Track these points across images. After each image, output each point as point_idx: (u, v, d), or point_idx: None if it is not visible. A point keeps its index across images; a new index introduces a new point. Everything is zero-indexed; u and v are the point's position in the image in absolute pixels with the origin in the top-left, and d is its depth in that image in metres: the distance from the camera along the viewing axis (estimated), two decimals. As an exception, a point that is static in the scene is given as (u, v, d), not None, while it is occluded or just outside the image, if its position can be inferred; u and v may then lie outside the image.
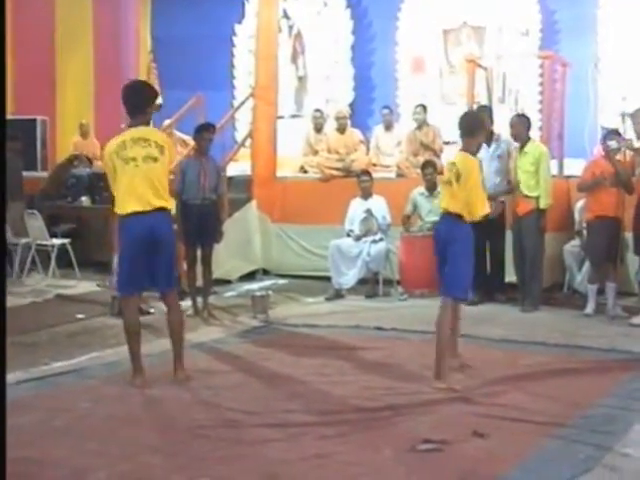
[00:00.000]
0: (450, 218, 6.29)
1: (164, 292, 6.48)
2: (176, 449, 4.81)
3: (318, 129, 12.91)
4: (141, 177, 6.09)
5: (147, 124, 6.39)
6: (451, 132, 11.71)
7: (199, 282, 9.27)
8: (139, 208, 6.07)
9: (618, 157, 8.91)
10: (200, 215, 9.13)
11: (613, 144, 8.77)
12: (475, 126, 6.44)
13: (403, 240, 10.22)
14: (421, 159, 11.13)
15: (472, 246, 6.40)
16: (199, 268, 9.25)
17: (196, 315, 9.00)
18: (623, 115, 9.30)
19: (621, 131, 9.25)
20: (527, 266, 9.27)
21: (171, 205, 6.41)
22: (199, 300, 9.17)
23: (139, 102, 6.33)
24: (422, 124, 11.76)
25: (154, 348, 7.47)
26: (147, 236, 6.09)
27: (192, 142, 12.52)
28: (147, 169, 6.11)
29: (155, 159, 6.14)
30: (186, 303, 9.22)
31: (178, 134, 12.52)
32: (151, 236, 6.10)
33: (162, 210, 6.18)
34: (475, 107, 10.43)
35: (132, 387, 6.16)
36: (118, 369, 6.77)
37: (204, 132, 9.38)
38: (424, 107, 11.89)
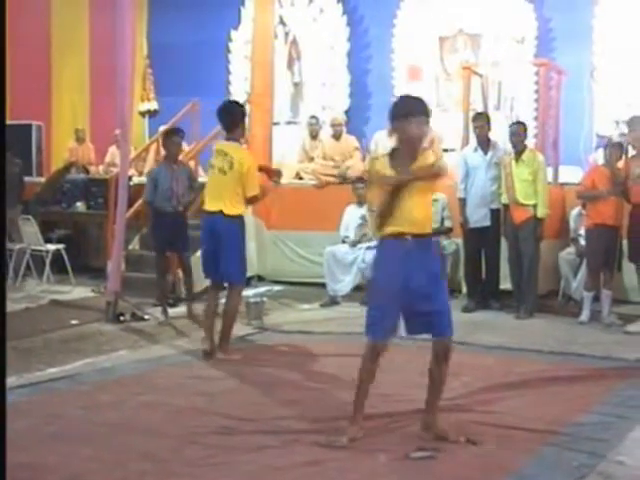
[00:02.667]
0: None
1: (229, 284, 7.47)
2: (169, 456, 4.79)
3: (314, 136, 12.93)
4: (213, 185, 7.29)
5: (237, 140, 7.38)
6: (448, 140, 11.81)
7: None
8: (207, 209, 7.29)
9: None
10: (173, 224, 9.13)
11: (616, 137, 8.81)
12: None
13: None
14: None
15: None
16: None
17: (165, 323, 8.99)
18: (617, 123, 9.33)
19: (615, 137, 9.29)
20: (524, 274, 9.27)
21: (232, 213, 7.20)
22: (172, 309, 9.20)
23: (232, 120, 7.34)
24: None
25: (148, 354, 7.49)
26: (210, 234, 7.23)
27: (187, 148, 12.60)
28: (218, 179, 7.20)
29: (224, 172, 7.16)
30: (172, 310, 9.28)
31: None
32: (212, 235, 7.21)
33: (222, 214, 7.17)
34: (471, 114, 10.44)
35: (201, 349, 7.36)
36: (112, 375, 6.78)
37: (174, 136, 9.37)
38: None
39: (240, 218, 7.31)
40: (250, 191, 7.19)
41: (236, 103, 7.62)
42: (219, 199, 7.17)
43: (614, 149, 8.96)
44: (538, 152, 9.75)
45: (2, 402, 3.20)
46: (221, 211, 7.16)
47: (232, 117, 7.34)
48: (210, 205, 7.25)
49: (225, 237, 7.18)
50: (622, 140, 8.94)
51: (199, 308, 8.91)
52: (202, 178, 12.33)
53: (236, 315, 7.61)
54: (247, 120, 7.64)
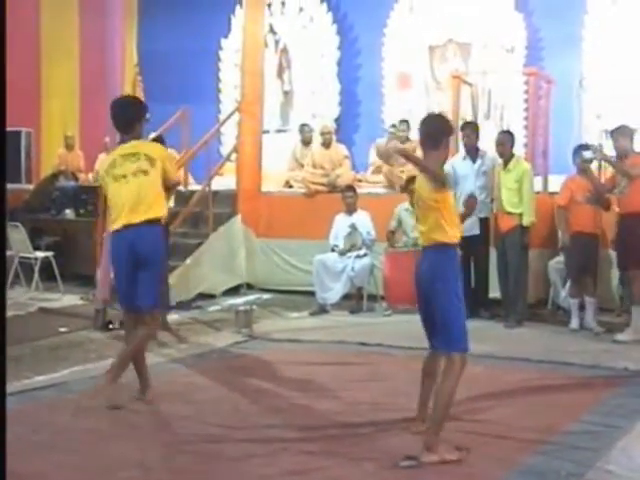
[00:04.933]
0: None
1: (141, 309, 6.19)
2: (157, 464, 4.78)
3: (307, 142, 12.91)
4: (130, 193, 6.06)
5: (137, 138, 6.32)
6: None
7: None
8: (124, 223, 6.03)
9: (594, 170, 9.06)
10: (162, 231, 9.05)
11: (588, 154, 8.82)
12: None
13: (388, 256, 10.22)
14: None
15: None
16: None
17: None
18: (606, 132, 9.35)
19: (604, 148, 9.31)
20: (511, 282, 9.30)
21: (161, 214, 6.23)
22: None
23: (128, 118, 6.30)
24: (404, 140, 11.84)
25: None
26: (129, 252, 6.03)
27: (178, 156, 12.58)
28: (137, 183, 6.07)
29: (145, 172, 6.11)
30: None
31: (163, 148, 12.49)
32: (132, 252, 6.02)
33: (147, 223, 6.06)
34: (461, 123, 10.45)
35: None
36: (100, 383, 6.75)
37: (163, 143, 9.34)
38: (408, 123, 12.01)
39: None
40: (173, 176, 6.40)
41: (132, 98, 6.61)
42: (137, 208, 6.06)
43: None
44: (524, 160, 9.78)
45: (2, 409, 3.19)
46: (147, 220, 6.09)
47: (127, 116, 6.31)
48: (124, 220, 6.04)
49: (149, 254, 6.15)
50: (595, 156, 8.92)
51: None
52: (192, 186, 12.41)
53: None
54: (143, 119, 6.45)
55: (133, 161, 6.13)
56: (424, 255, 5.15)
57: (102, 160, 6.52)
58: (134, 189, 6.07)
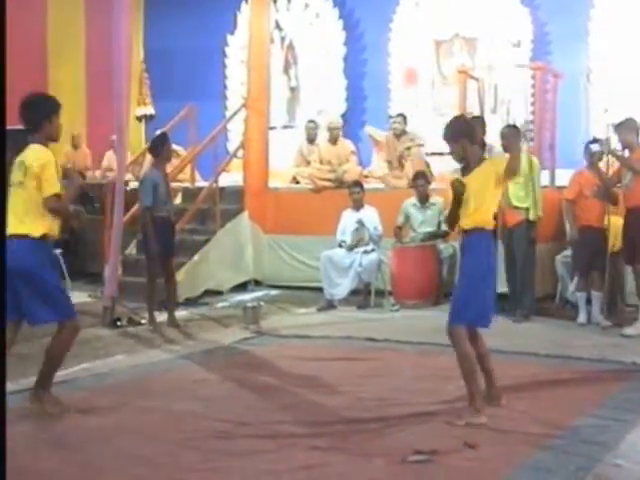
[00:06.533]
0: None
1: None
2: (166, 460, 4.78)
3: (311, 140, 12.92)
4: (11, 203, 5.57)
5: (46, 140, 5.94)
6: (442, 144, 11.77)
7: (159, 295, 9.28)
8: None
9: (601, 164, 9.01)
10: (167, 228, 9.13)
11: (595, 147, 8.82)
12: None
13: (395, 251, 10.23)
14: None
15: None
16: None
17: (154, 329, 8.92)
18: (612, 126, 9.32)
19: (612, 141, 9.29)
20: (518, 277, 9.29)
21: (37, 231, 5.80)
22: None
23: (32, 117, 5.87)
24: (401, 134, 11.81)
25: (145, 359, 7.48)
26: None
27: (184, 153, 12.61)
28: (14, 194, 5.64)
29: (20, 183, 5.67)
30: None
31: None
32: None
33: (20, 237, 5.65)
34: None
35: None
36: (108, 380, 6.78)
37: (169, 140, 9.41)
38: (404, 117, 11.98)
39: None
40: (48, 189, 5.74)
41: (41, 95, 6.11)
42: (12, 220, 5.57)
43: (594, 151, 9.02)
44: (532, 155, 9.76)
45: (2, 408, 3.20)
46: (19, 235, 5.65)
47: (33, 113, 5.92)
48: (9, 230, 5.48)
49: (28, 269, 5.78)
50: (602, 149, 8.90)
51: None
52: (199, 183, 12.44)
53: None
54: (54, 116, 6.05)
55: (17, 170, 5.72)
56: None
57: None
58: (11, 201, 5.60)
